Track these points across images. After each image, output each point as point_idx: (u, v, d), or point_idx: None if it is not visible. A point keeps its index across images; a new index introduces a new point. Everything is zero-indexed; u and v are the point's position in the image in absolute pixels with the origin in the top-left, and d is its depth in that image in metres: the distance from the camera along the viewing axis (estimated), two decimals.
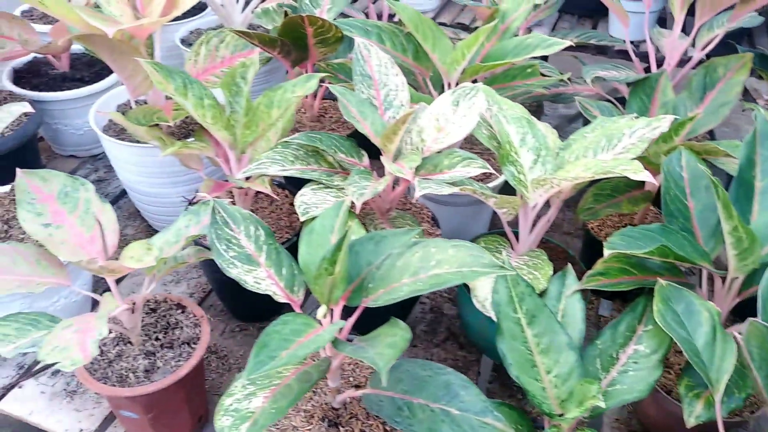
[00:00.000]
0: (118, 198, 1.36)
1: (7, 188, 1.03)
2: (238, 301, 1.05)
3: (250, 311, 1.07)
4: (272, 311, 1.08)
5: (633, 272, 0.79)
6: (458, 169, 0.81)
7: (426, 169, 0.84)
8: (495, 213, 1.28)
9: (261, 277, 0.70)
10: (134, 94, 1.05)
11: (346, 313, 0.69)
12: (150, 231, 1.26)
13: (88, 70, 1.41)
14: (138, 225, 1.28)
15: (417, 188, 0.77)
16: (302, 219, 0.78)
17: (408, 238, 0.70)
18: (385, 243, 0.71)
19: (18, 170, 0.76)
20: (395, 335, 0.61)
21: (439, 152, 0.87)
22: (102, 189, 1.38)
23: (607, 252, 0.74)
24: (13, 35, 1.31)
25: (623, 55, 1.98)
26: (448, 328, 1.09)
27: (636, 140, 0.83)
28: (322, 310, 0.66)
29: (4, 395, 0.95)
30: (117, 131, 1.14)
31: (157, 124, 0.96)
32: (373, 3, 1.37)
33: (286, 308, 1.09)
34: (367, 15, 1.43)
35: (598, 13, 2.25)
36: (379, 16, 1.43)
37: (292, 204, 1.04)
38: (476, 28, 2.24)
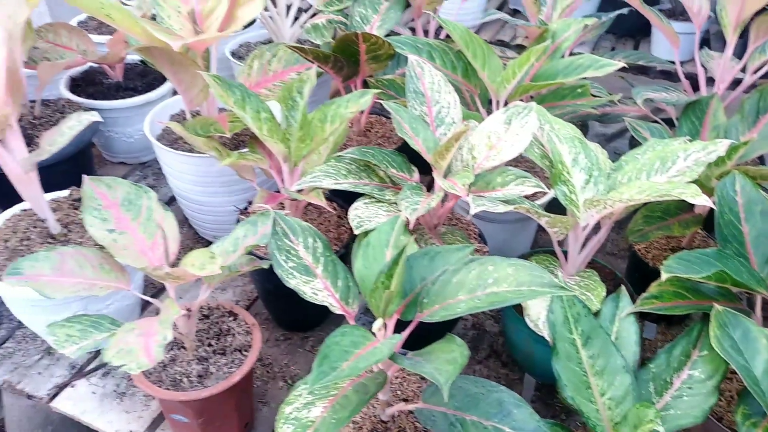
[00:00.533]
0: (167, 205, 1.39)
1: (65, 193, 1.06)
2: (283, 311, 1.06)
3: (295, 321, 1.08)
4: (316, 322, 1.10)
5: (687, 296, 0.79)
6: (512, 187, 0.82)
7: (478, 186, 0.85)
8: (538, 231, 1.28)
9: (318, 288, 0.71)
10: (190, 105, 1.08)
11: (398, 326, 0.69)
12: (197, 238, 1.29)
13: (141, 80, 1.46)
14: (185, 232, 1.31)
15: (472, 206, 0.77)
16: (356, 232, 0.80)
17: (462, 254, 0.71)
18: (439, 259, 0.71)
19: (85, 177, 0.79)
20: (453, 351, 0.62)
21: (490, 170, 0.88)
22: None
23: (664, 275, 0.73)
24: (72, 45, 1.36)
25: (665, 75, 1.98)
26: (491, 345, 1.09)
27: (691, 163, 0.83)
28: (378, 323, 0.67)
29: (57, 394, 0.98)
30: (170, 140, 1.17)
31: (212, 135, 0.99)
32: (418, 18, 1.39)
33: (329, 319, 1.11)
34: (413, 31, 1.45)
35: (639, 33, 2.24)
36: (426, 33, 1.44)
37: (339, 216, 1.06)
38: (516, 45, 2.25)
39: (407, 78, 0.94)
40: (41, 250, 0.89)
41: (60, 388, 0.99)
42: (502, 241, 1.13)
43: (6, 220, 1.01)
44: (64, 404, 0.97)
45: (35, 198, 0.90)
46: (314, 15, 1.41)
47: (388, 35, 1.17)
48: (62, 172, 1.16)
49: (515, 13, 2.42)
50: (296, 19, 1.46)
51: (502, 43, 2.37)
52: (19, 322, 1.09)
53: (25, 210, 1.03)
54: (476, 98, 1.13)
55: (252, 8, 1.03)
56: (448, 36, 1.48)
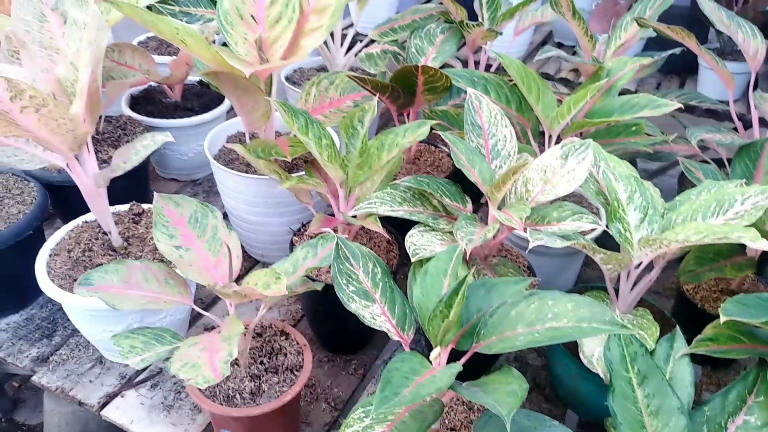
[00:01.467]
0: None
1: (125, 207, 1.10)
2: (330, 332, 1.08)
3: (340, 343, 1.10)
4: (360, 344, 1.11)
5: (743, 340, 0.78)
6: (568, 223, 0.83)
7: (533, 219, 0.86)
8: (583, 266, 1.28)
9: (376, 314, 0.73)
10: (249, 128, 1.12)
11: (452, 355, 0.70)
12: (245, 256, 1.32)
13: (198, 100, 1.51)
14: None
15: (531, 240, 0.78)
16: (413, 260, 0.81)
17: (519, 287, 0.72)
18: (496, 290, 0.73)
19: (156, 195, 0.82)
20: (511, 383, 0.63)
21: (545, 204, 0.89)
22: None
23: (723, 319, 0.73)
24: (135, 65, 1.42)
25: (712, 114, 1.96)
26: (534, 379, 1.09)
27: (749, 207, 0.83)
28: (435, 352, 0.68)
29: (107, 403, 1.01)
30: (227, 160, 1.21)
31: (273, 158, 1.02)
32: (474, 53, 1.42)
33: (372, 342, 1.12)
34: (465, 63, 1.47)
35: (685, 70, 2.24)
36: (476, 65, 1.47)
37: (389, 242, 1.07)
38: (560, 78, 2.26)
39: (465, 110, 0.96)
40: (107, 262, 0.93)
41: (110, 397, 1.02)
42: (549, 274, 1.14)
43: (69, 231, 1.05)
44: (113, 413, 1.00)
45: (102, 212, 0.94)
46: (369, 44, 1.45)
47: (441, 67, 1.20)
48: (122, 187, 1.20)
49: (559, 46, 2.44)
50: (350, 47, 1.50)
51: (546, 76, 2.39)
52: (73, 330, 1.12)
53: (87, 222, 1.08)
54: (528, 132, 1.14)
55: (315, 38, 1.06)
56: (499, 68, 1.50)
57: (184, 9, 1.53)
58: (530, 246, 0.78)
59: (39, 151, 0.88)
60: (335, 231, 1.00)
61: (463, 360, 0.70)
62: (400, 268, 1.02)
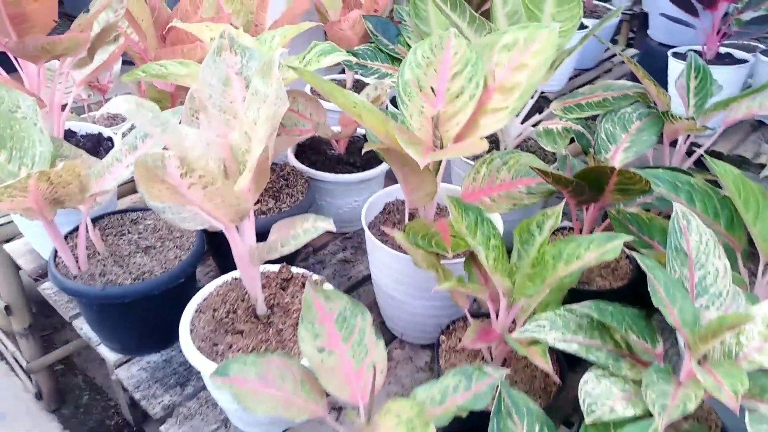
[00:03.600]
0: (360, 283, 1.37)
1: (275, 268, 1.07)
2: None
3: None
4: None
5: None
6: None
7: (751, 391, 0.68)
8: None
9: None
10: (411, 204, 1.04)
11: None
12: (384, 328, 1.24)
13: (360, 155, 1.47)
14: (373, 317, 1.26)
15: (749, 427, 0.61)
16: (588, 420, 0.67)
17: None
18: None
19: (308, 284, 0.76)
20: None
21: (764, 367, 0.70)
22: (346, 271, 1.41)
23: None
24: (307, 114, 1.41)
25: None
26: None
27: None
28: None
29: None
30: (380, 233, 1.14)
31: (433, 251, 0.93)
32: (671, 145, 1.24)
33: None
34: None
35: None
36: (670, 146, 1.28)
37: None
38: (759, 164, 1.96)
39: (670, 231, 0.80)
40: (248, 330, 0.88)
41: None
42: None
43: (218, 287, 1.03)
44: None
45: (252, 280, 0.90)
46: (549, 118, 1.32)
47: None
48: None
49: (760, 124, 2.13)
50: (526, 118, 1.39)
51: (741, 159, 2.09)
52: (204, 385, 1.11)
53: (236, 279, 1.05)
54: (738, 255, 0.95)
55: (497, 119, 0.96)
56: (698, 162, 1.31)
57: (361, 61, 1.51)
58: None
59: (201, 214, 0.86)
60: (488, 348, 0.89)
61: None
62: (558, 396, 0.88)
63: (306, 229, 0.77)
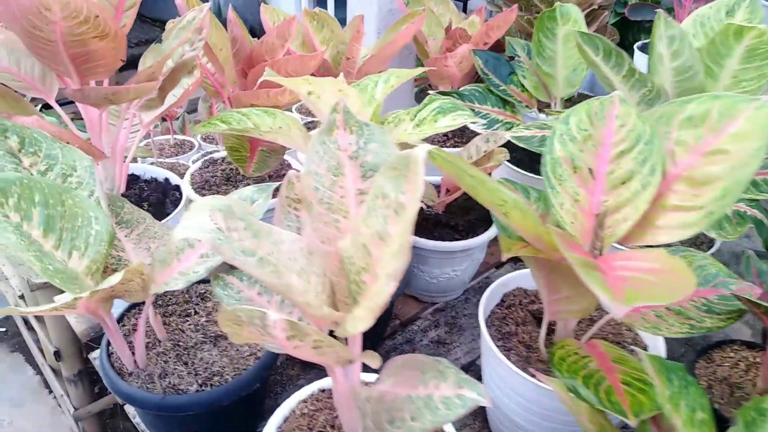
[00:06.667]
0: (465, 368, 1.15)
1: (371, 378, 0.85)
2: None
3: None
4: None
5: None
6: None
7: None
8: None
9: None
10: (553, 315, 0.81)
11: None
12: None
13: (462, 217, 1.24)
14: (476, 425, 1.04)
15: None
16: None
17: None
18: None
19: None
20: None
21: None
22: (440, 355, 1.19)
23: None
24: None
25: None
26: None
27: None
28: None
29: None
30: (501, 333, 0.91)
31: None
32: None
33: None
34: None
35: None
36: None
37: None
38: None
39: None
40: None
41: None
42: None
43: (302, 403, 0.82)
44: None
45: (351, 421, 0.69)
46: None
47: None
48: None
49: None
50: None
51: None
52: None
53: (323, 391, 0.85)
54: None
55: (685, 221, 0.72)
56: None
57: (468, 104, 1.29)
58: None
59: None
60: None
61: None
62: None
63: (444, 398, 0.55)
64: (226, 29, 1.16)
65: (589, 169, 0.79)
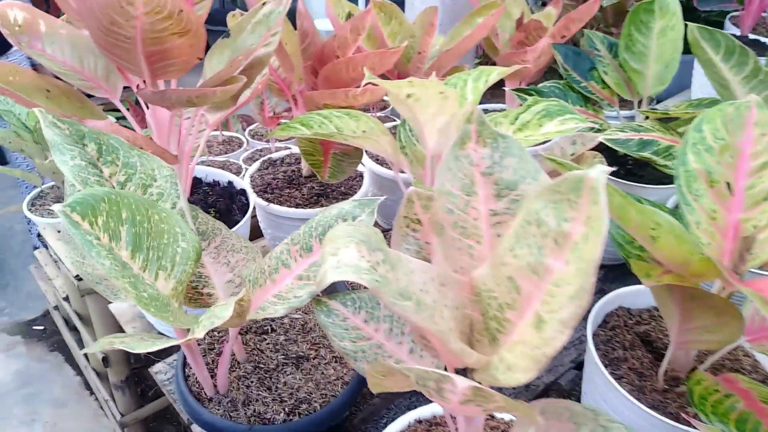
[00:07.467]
0: (544, 393, 1.07)
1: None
2: None
3: None
4: None
5: None
6: None
7: None
8: None
9: None
10: (680, 346, 0.73)
11: None
12: None
13: None
14: None
15: None
16: None
17: None
18: None
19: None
20: None
21: None
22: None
23: None
24: None
25: None
26: None
27: None
28: None
29: None
30: (607, 362, 0.83)
31: None
32: None
33: None
34: None
35: None
36: None
37: None
38: None
39: None
40: None
41: None
42: None
43: (410, 428, 0.75)
44: None
45: None
46: None
47: None
48: None
49: None
50: None
51: None
52: None
53: (420, 422, 0.78)
54: None
55: None
56: None
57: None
58: None
59: None
60: None
61: None
62: None
63: None
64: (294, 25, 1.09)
65: (726, 184, 0.70)
